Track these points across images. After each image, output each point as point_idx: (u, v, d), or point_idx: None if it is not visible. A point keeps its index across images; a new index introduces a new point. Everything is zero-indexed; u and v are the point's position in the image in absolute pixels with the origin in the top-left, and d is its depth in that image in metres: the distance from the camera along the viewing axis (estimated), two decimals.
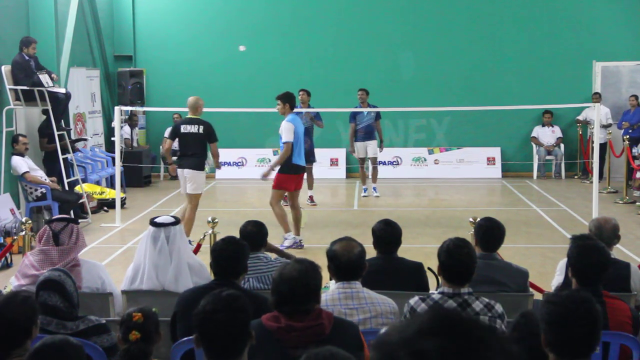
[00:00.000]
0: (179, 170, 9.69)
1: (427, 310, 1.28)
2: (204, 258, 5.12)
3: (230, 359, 2.85)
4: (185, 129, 9.62)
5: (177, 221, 5.06)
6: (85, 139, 14.42)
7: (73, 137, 12.87)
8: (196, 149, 9.56)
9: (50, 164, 11.54)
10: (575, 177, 15.72)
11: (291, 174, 9.35)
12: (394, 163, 15.51)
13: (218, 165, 10.25)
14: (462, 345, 1.20)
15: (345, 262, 4.01)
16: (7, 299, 3.43)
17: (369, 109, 13.28)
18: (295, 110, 10.14)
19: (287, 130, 9.30)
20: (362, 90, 13.31)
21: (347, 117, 13.65)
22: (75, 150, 13.04)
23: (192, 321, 2.92)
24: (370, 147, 13.48)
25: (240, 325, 2.86)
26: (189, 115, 9.75)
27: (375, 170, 13.60)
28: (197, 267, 5.06)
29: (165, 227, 4.94)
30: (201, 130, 9.56)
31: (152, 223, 5.00)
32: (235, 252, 4.18)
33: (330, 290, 4.13)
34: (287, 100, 9.50)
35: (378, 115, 13.52)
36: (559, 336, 2.79)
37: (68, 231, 4.89)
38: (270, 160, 16.20)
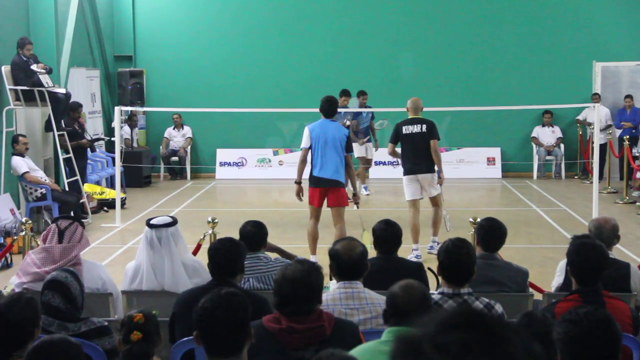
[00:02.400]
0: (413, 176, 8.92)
1: (451, 307, 1.30)
2: (204, 258, 5.11)
3: (229, 356, 2.86)
4: (407, 129, 8.93)
5: (173, 222, 5.03)
6: (103, 139, 14.50)
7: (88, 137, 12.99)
8: (425, 149, 8.86)
9: (75, 160, 11.67)
10: (575, 177, 15.72)
11: (311, 187, 8.29)
12: (394, 163, 15.45)
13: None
14: (485, 340, 1.22)
15: (347, 261, 4.01)
16: (10, 301, 3.44)
17: (367, 110, 13.35)
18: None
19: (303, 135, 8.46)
20: (365, 95, 13.37)
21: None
22: (93, 150, 13.10)
23: (192, 318, 2.94)
24: (369, 149, 13.63)
25: (238, 322, 2.87)
26: (411, 116, 9.08)
27: (365, 170, 13.82)
28: (196, 268, 5.05)
29: (156, 228, 4.93)
30: (424, 129, 8.88)
31: (150, 225, 4.99)
32: (231, 251, 4.17)
33: (331, 289, 4.13)
34: (320, 108, 8.44)
35: (372, 115, 13.63)
36: (577, 357, 2.70)
37: (72, 229, 4.91)
38: (270, 161, 16.24)
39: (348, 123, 12.56)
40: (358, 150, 13.63)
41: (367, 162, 13.81)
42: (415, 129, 8.88)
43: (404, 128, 8.95)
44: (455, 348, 1.20)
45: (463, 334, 1.22)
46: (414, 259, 8.53)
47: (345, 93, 13.18)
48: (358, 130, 13.47)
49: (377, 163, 14.58)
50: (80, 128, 12.47)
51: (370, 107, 13.52)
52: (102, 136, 14.60)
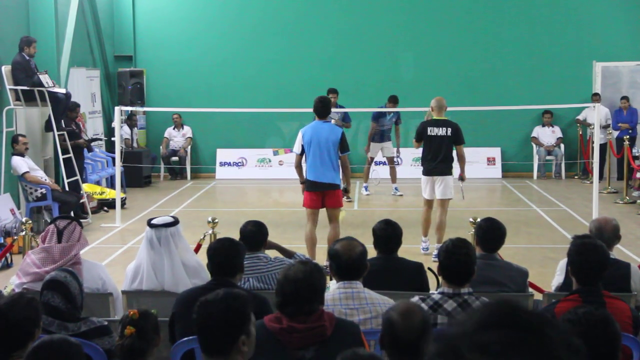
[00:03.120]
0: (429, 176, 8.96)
1: (487, 303, 1.27)
2: (204, 258, 5.11)
3: (225, 356, 2.85)
4: (432, 131, 8.89)
5: (173, 222, 5.04)
6: (101, 139, 14.47)
7: (86, 137, 12.99)
8: (447, 153, 8.91)
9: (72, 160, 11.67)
10: (575, 177, 15.72)
11: (307, 191, 8.28)
12: (396, 163, 15.49)
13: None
14: (525, 338, 1.19)
15: (346, 261, 4.01)
16: (12, 301, 3.45)
17: (393, 109, 13.34)
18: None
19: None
20: (393, 103, 13.27)
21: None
22: (90, 150, 13.09)
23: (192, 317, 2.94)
24: (386, 149, 13.65)
25: (234, 323, 2.86)
26: (435, 117, 9.02)
27: (393, 170, 13.74)
28: (196, 268, 5.06)
29: (156, 228, 4.94)
30: (449, 133, 8.87)
31: (151, 225, 5.00)
32: (230, 251, 4.18)
33: (331, 290, 4.13)
34: (313, 109, 8.41)
35: (399, 119, 13.64)
36: None
37: (71, 228, 4.92)
38: (270, 161, 16.24)
39: (332, 122, 12.53)
40: (372, 150, 13.67)
41: (389, 162, 13.83)
42: (441, 131, 8.89)
43: (429, 129, 8.94)
44: (495, 348, 1.17)
45: (502, 332, 1.19)
46: (422, 251, 8.97)
47: (333, 91, 13.12)
48: (379, 131, 13.50)
49: (377, 163, 14.57)
50: (78, 128, 12.47)
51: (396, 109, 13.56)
52: (100, 136, 14.58)
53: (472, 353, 1.18)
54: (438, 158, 8.89)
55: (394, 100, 13.31)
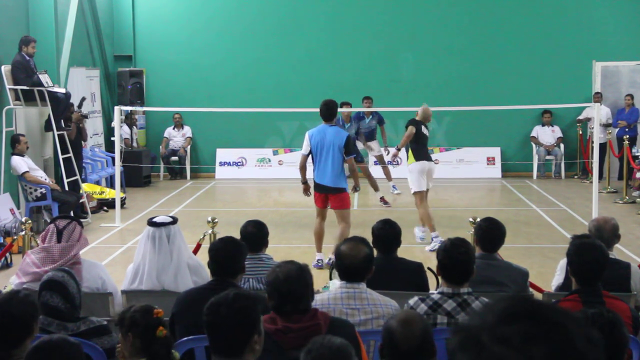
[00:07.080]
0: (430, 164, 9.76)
1: (508, 297, 1.29)
2: (204, 258, 5.12)
3: (233, 357, 2.86)
4: (424, 130, 9.76)
5: (175, 220, 5.06)
6: (85, 98, 14.24)
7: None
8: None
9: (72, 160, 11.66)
10: (575, 177, 15.72)
11: (314, 190, 8.36)
12: (394, 163, 15.50)
13: None
14: (546, 330, 1.21)
15: (349, 264, 4.01)
16: (8, 296, 3.45)
17: (371, 112, 13.35)
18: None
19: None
20: (368, 100, 13.43)
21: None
22: (86, 117, 13.06)
23: (202, 316, 2.95)
24: (373, 149, 13.59)
25: (248, 322, 2.87)
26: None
27: (386, 169, 13.71)
28: (196, 267, 5.06)
29: (165, 226, 4.95)
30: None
31: (152, 223, 4.99)
32: (233, 251, 4.19)
33: (333, 289, 4.13)
34: (321, 112, 8.35)
35: (381, 120, 13.57)
36: None
37: (71, 228, 4.92)
38: (270, 160, 16.24)
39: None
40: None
41: (380, 161, 13.79)
42: (428, 133, 9.87)
43: (422, 127, 9.65)
44: (517, 339, 1.19)
45: (523, 324, 1.21)
46: (436, 244, 9.06)
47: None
48: (361, 133, 13.51)
49: (377, 163, 14.56)
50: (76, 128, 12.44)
51: (378, 113, 13.52)
52: (85, 96, 14.00)
53: (494, 345, 1.20)
54: (427, 151, 9.82)
55: (368, 99, 13.53)
